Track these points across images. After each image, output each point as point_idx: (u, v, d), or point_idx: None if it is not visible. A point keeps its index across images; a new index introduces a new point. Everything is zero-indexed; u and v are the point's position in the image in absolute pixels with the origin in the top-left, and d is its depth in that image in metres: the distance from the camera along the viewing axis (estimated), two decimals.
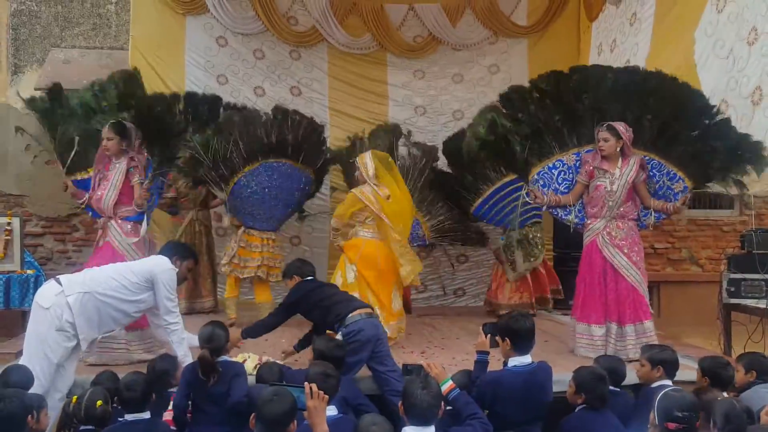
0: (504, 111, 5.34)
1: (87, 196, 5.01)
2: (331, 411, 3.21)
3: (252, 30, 7.95)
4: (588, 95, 5.07)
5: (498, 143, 5.33)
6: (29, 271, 6.68)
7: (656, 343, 4.62)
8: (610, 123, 4.93)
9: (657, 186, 5.14)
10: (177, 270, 4.30)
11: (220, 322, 4.00)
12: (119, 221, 4.89)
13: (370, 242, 5.41)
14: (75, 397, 3.37)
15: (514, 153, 5.26)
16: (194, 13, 7.79)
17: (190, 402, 3.74)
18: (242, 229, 6.30)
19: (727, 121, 4.87)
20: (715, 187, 5.10)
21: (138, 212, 4.94)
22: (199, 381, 3.70)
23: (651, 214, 5.12)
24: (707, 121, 4.94)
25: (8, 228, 6.62)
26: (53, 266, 8.60)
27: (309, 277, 4.68)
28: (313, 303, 4.46)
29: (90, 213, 5.18)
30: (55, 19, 8.85)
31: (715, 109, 4.93)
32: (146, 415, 3.42)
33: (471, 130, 5.66)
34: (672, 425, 2.85)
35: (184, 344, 4.20)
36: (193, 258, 4.57)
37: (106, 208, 4.88)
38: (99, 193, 4.90)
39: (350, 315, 4.23)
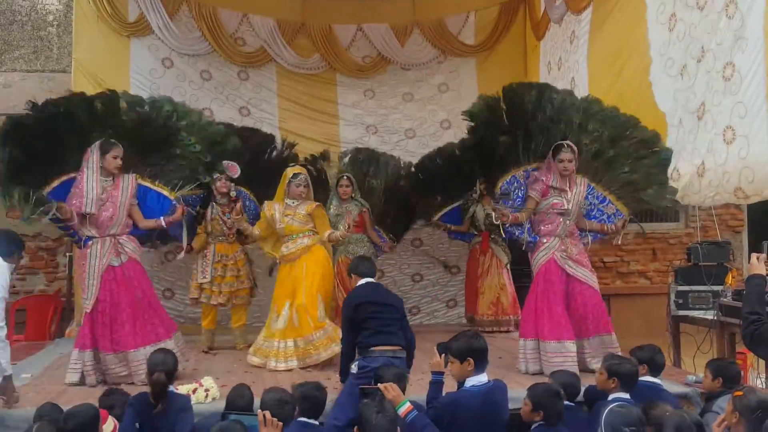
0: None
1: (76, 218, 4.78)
2: None
3: (198, 51, 7.88)
4: (541, 112, 5.14)
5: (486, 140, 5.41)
6: None
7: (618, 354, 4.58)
8: (570, 144, 5.00)
9: (588, 208, 5.25)
10: (14, 265, 4.28)
11: (169, 350, 3.93)
12: (130, 236, 4.99)
13: None
14: None
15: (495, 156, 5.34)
16: (139, 34, 7.67)
17: None
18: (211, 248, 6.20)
19: (665, 152, 5.06)
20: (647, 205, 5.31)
21: (131, 228, 5.02)
22: (146, 410, 3.58)
23: (587, 235, 5.23)
24: (645, 149, 5.12)
25: None
26: None
27: (367, 279, 4.50)
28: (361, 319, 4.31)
29: (71, 234, 5.02)
30: None
31: (654, 135, 5.11)
32: None
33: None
34: None
35: (7, 350, 4.05)
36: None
37: (118, 226, 4.89)
38: (110, 211, 4.84)
39: (372, 348, 4.14)
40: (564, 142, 5.01)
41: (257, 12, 7.97)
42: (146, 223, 5.07)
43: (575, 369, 4.70)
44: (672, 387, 4.55)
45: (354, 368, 4.19)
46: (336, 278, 6.64)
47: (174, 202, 5.16)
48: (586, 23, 6.30)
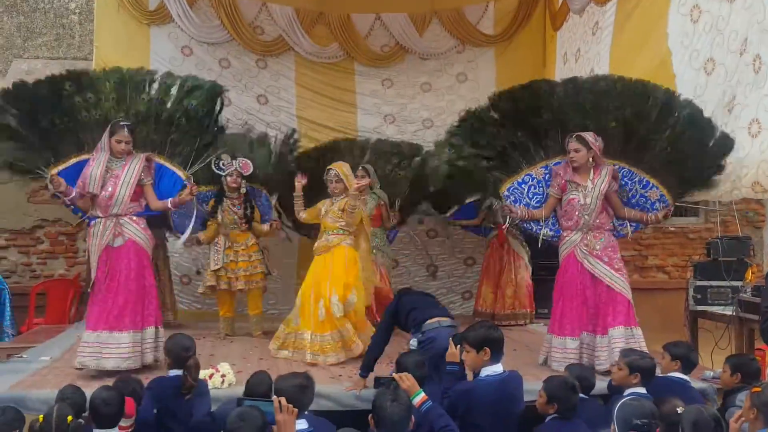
0: (463, 137, 5.37)
1: (75, 192, 4.74)
2: (301, 425, 3.11)
3: (217, 39, 7.88)
4: (546, 109, 5.05)
5: (464, 168, 5.35)
6: None
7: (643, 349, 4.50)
8: (579, 133, 4.87)
9: (630, 195, 5.06)
10: None
11: (185, 333, 3.96)
12: (134, 218, 4.84)
13: None
14: (41, 416, 3.24)
15: (482, 174, 5.27)
16: (159, 22, 7.70)
17: None
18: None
19: (696, 110, 4.81)
20: (695, 196, 5.05)
21: (143, 209, 4.91)
22: (166, 396, 3.61)
23: (627, 225, 5.06)
24: (676, 114, 4.87)
25: None
26: (17, 279, 8.43)
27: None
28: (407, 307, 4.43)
29: (73, 210, 5.05)
30: (17, 29, 8.70)
31: (682, 99, 4.88)
32: (115, 431, 3.31)
33: (431, 166, 5.66)
34: None
35: None
36: None
37: (120, 205, 4.76)
38: (109, 190, 4.72)
39: (427, 322, 4.20)
40: (573, 134, 4.91)
41: (276, 1, 7.95)
42: (157, 204, 4.96)
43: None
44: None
45: (413, 344, 4.21)
46: None
47: (185, 182, 5.06)
48: (611, 14, 6.18)
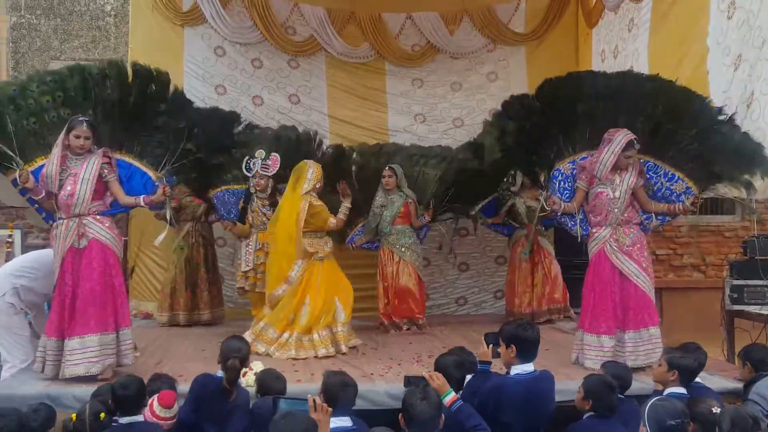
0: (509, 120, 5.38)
1: (44, 192, 4.59)
2: (344, 422, 3.12)
3: (250, 40, 7.97)
4: (581, 102, 5.04)
5: (511, 147, 5.39)
6: None
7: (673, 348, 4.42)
8: (632, 139, 4.83)
9: (655, 188, 5.06)
10: None
11: (243, 337, 3.97)
12: (98, 217, 4.64)
13: None
14: (74, 414, 3.32)
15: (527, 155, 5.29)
16: (192, 24, 7.83)
17: None
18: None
19: (730, 120, 4.82)
20: (721, 190, 5.00)
21: (108, 207, 4.72)
22: (206, 395, 3.64)
23: (654, 218, 5.05)
24: (709, 121, 4.88)
25: (10, 240, 6.73)
26: None
27: None
28: None
29: (38, 209, 4.85)
30: (54, 31, 8.89)
31: (716, 110, 4.88)
32: (140, 417, 3.36)
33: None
34: None
35: None
36: None
37: (81, 204, 4.56)
38: (68, 189, 4.53)
39: None
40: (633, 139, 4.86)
41: (308, 1, 8.00)
42: (127, 200, 4.75)
43: None
44: (725, 383, 4.47)
45: None
46: (378, 266, 6.73)
47: (157, 183, 4.86)
48: (647, 11, 6.15)
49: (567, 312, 7.11)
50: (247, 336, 5.39)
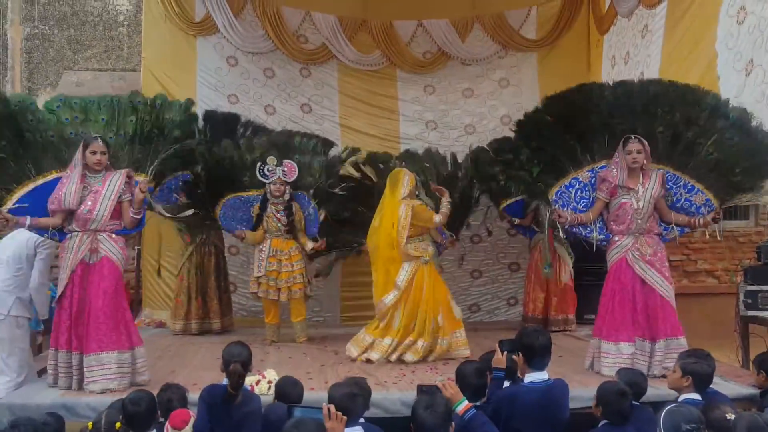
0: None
1: (28, 220, 4.59)
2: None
3: (262, 49, 8.03)
4: (594, 113, 5.04)
5: (516, 169, 5.42)
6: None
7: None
8: (637, 135, 4.87)
9: (674, 199, 5.04)
10: None
11: (244, 343, 3.95)
12: (113, 235, 4.70)
13: None
14: (90, 423, 3.34)
15: (530, 177, 5.29)
16: (205, 33, 7.89)
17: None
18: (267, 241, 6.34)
19: (745, 116, 4.78)
20: (743, 199, 4.98)
21: (123, 227, 4.78)
22: (215, 403, 3.66)
23: (673, 229, 5.03)
24: (724, 120, 4.84)
25: None
26: None
27: None
28: None
29: (37, 232, 4.81)
30: (68, 42, 8.97)
31: (730, 107, 4.84)
32: None
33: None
34: None
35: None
36: None
37: (99, 221, 4.62)
38: (89, 204, 4.59)
39: None
40: (631, 135, 4.89)
41: (319, 9, 8.07)
42: (128, 221, 4.79)
43: None
44: (740, 389, 4.45)
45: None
46: None
47: (135, 181, 4.83)
48: (661, 17, 6.13)
49: (570, 325, 7.10)
50: (353, 348, 5.55)
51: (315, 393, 4.28)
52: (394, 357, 5.47)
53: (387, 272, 5.63)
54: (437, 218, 5.60)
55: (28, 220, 4.61)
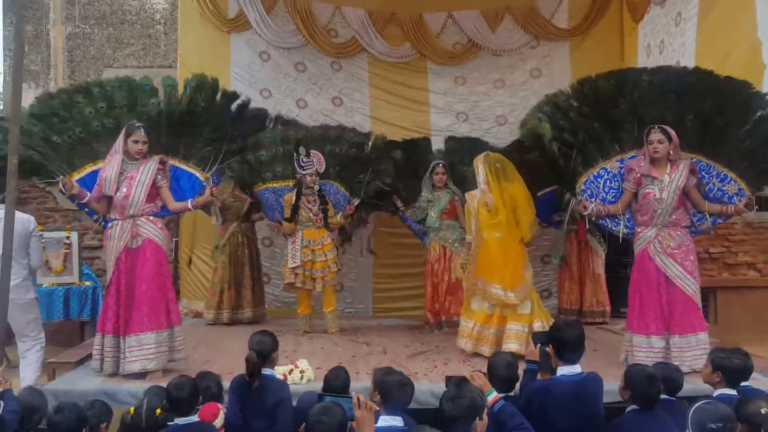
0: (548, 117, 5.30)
1: (89, 195, 4.82)
2: (396, 422, 3.11)
3: (293, 44, 8.09)
4: (625, 99, 4.97)
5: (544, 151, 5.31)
6: (87, 283, 6.94)
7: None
8: (661, 125, 4.79)
9: (707, 188, 4.94)
10: None
11: (268, 331, 4.02)
12: (151, 218, 4.82)
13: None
14: (132, 408, 3.43)
15: (557, 162, 5.22)
16: (238, 30, 7.99)
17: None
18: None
19: None
20: None
21: (159, 209, 4.90)
22: (241, 391, 3.73)
23: (706, 219, 4.94)
24: (759, 113, 4.75)
25: (67, 242, 6.91)
26: None
27: None
28: None
29: (88, 212, 5.03)
30: (107, 40, 9.16)
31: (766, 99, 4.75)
32: (195, 417, 3.42)
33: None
34: None
35: None
36: None
37: (135, 206, 4.74)
38: (124, 191, 4.73)
39: None
40: (654, 125, 4.81)
41: (349, 3, 8.09)
42: (176, 206, 4.97)
43: None
44: None
45: None
46: (427, 264, 6.73)
47: (204, 183, 5.04)
48: (695, 5, 6.01)
49: (605, 317, 7.02)
50: (467, 344, 5.40)
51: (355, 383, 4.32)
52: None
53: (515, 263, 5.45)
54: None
55: (88, 196, 4.81)
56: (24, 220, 5.04)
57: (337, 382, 3.81)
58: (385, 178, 6.86)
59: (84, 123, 5.00)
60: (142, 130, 4.79)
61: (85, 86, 5.17)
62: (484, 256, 5.42)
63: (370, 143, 6.91)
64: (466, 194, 5.67)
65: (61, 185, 4.79)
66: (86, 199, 4.83)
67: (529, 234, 5.48)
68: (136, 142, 4.77)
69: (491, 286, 5.31)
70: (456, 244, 6.59)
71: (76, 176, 4.92)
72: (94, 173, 4.90)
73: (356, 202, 6.67)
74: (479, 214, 5.43)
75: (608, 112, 5.03)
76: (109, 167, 4.76)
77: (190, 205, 4.98)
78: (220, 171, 5.41)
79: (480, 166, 5.51)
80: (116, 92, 5.06)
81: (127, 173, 4.78)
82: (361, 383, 4.17)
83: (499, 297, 5.28)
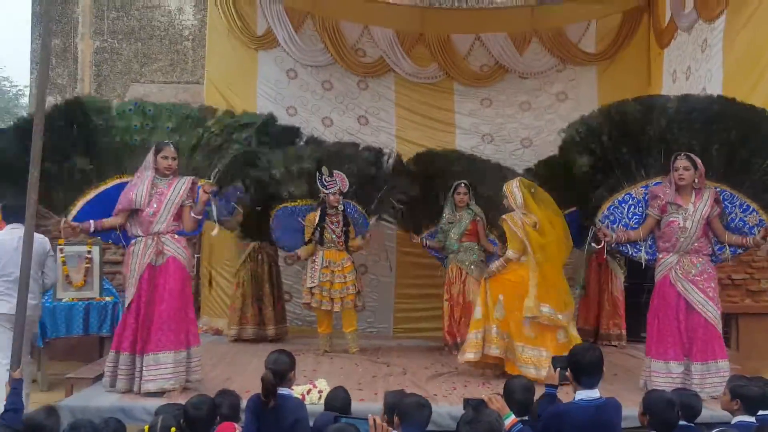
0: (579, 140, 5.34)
1: (92, 224, 4.81)
2: None
3: (321, 62, 8.15)
4: (652, 126, 4.97)
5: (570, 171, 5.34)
6: (107, 298, 6.91)
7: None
8: (688, 153, 4.79)
9: (729, 218, 4.94)
10: None
11: (285, 351, 4.01)
12: (176, 236, 4.84)
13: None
14: (147, 426, 3.42)
15: (584, 186, 5.23)
16: (266, 47, 8.06)
17: None
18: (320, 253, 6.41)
19: None
20: None
21: (182, 229, 4.91)
22: (258, 410, 3.72)
23: (726, 249, 4.93)
24: None
25: (88, 256, 6.87)
26: None
27: None
28: None
29: (102, 238, 5.03)
30: (135, 55, 9.28)
31: None
32: None
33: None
34: None
35: None
36: None
37: (162, 223, 4.77)
38: (154, 207, 4.75)
39: None
40: (681, 152, 4.81)
41: (378, 24, 8.15)
42: (188, 224, 4.94)
43: None
44: None
45: None
46: (444, 286, 6.72)
47: (199, 186, 4.98)
48: (720, 31, 5.99)
49: (621, 340, 6.99)
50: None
51: (365, 404, 4.32)
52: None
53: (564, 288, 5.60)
54: None
55: (92, 225, 4.82)
56: (39, 239, 4.95)
57: (335, 403, 3.81)
58: (400, 195, 6.87)
59: (125, 135, 5.08)
60: (171, 146, 4.85)
61: (143, 104, 5.29)
62: (541, 281, 5.38)
63: (388, 160, 6.97)
64: (505, 215, 5.57)
65: (60, 228, 4.79)
66: (91, 229, 4.84)
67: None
68: (166, 158, 4.81)
69: (543, 306, 5.32)
70: (472, 267, 6.59)
71: (73, 210, 4.91)
72: (96, 199, 4.93)
73: (373, 220, 6.69)
74: (529, 234, 5.41)
75: (636, 137, 5.04)
76: (140, 183, 4.80)
77: (192, 213, 4.92)
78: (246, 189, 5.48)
79: (516, 190, 5.55)
80: (163, 117, 5.18)
81: (158, 188, 4.82)
82: (379, 404, 4.15)
83: (549, 317, 5.30)
